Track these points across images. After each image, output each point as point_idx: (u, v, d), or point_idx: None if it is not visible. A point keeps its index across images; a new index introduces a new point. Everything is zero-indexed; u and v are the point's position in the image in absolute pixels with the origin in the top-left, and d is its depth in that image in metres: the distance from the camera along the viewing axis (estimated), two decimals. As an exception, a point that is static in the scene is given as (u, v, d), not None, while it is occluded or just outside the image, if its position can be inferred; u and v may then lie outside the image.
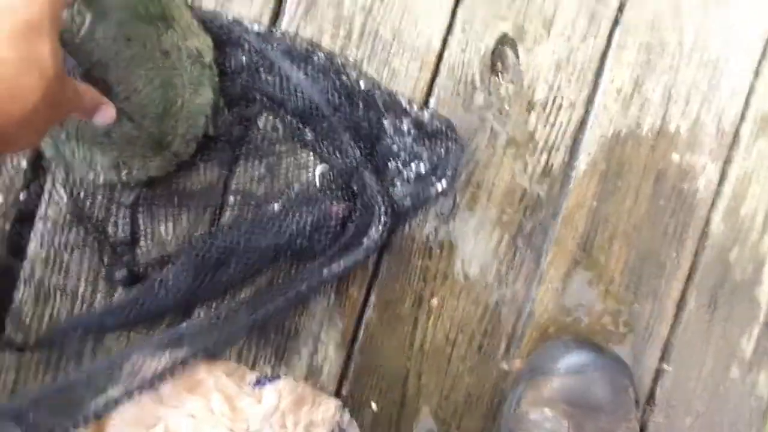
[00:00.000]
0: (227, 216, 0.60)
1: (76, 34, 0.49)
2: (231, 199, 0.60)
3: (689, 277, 0.64)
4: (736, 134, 0.64)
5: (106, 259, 0.59)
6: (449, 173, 0.58)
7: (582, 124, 0.63)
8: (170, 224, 0.60)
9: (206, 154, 0.59)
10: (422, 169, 0.60)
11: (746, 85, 0.63)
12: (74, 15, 0.48)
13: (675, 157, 0.63)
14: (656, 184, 0.63)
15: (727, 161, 0.63)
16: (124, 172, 0.56)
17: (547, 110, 0.62)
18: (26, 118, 0.38)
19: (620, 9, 0.62)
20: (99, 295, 0.59)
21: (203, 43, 0.56)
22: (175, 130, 0.55)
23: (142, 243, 0.60)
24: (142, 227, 0.60)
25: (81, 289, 0.59)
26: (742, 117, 0.63)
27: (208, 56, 0.56)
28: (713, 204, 0.64)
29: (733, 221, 0.64)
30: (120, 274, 0.57)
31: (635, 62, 0.63)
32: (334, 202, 0.59)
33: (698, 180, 0.63)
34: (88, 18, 0.49)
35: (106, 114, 0.49)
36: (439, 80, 0.61)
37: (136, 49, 0.52)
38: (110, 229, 0.59)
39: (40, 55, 0.39)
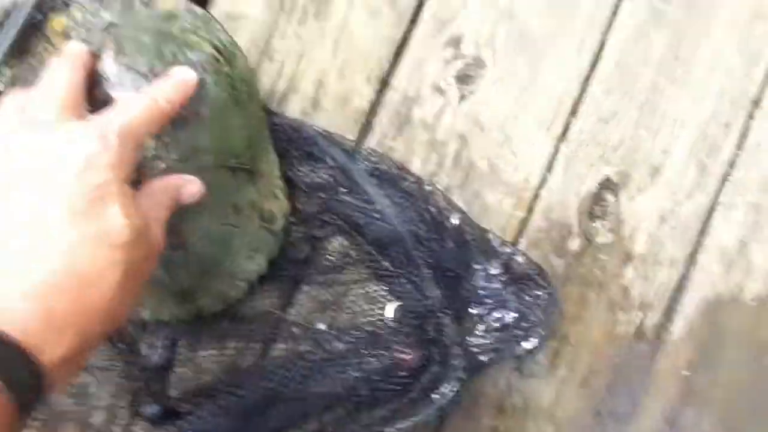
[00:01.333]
0: (280, 350, 0.52)
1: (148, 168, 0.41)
2: (287, 330, 0.52)
3: (786, 469, 0.57)
4: (843, 312, 0.58)
5: (133, 386, 0.50)
6: (542, 332, 0.51)
7: (681, 283, 0.57)
8: (213, 351, 0.51)
9: (266, 276, 0.52)
10: (508, 320, 0.53)
11: None
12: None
13: (779, 331, 0.57)
14: (757, 360, 0.57)
15: (834, 342, 0.58)
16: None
17: (646, 265, 0.57)
18: (120, 294, 0.32)
19: (731, 165, 0.58)
20: (118, 429, 0.50)
21: (280, 208, 0.50)
22: (209, 289, 0.48)
23: (177, 369, 0.51)
24: (180, 350, 0.51)
25: (96, 419, 0.50)
26: None
27: (280, 223, 0.50)
28: (816, 388, 0.57)
29: (837, 410, 0.57)
30: (151, 409, 0.48)
31: (743, 222, 0.58)
32: (407, 350, 0.51)
33: (803, 360, 0.57)
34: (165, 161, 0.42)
35: (194, 192, 0.41)
36: (533, 220, 0.55)
37: (208, 198, 0.44)
38: (143, 349, 0.51)
39: (109, 224, 0.33)
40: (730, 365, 0.57)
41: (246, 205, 0.47)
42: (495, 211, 0.55)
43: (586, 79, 0.56)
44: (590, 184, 0.56)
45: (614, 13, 0.56)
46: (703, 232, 0.57)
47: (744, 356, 0.57)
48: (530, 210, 0.55)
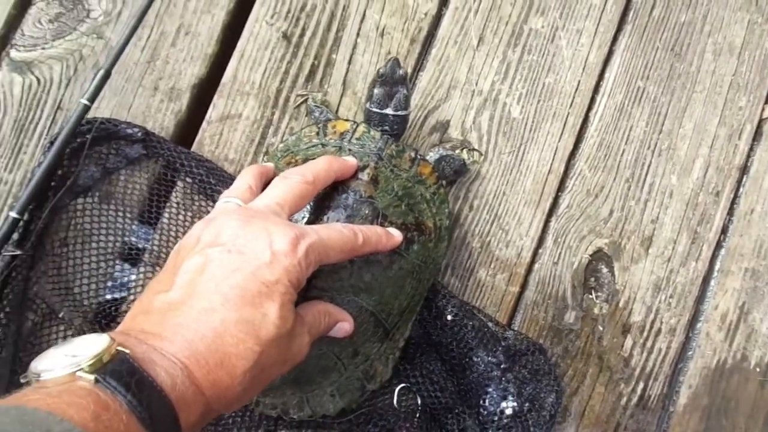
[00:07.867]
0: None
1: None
2: None
3: None
4: None
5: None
6: (546, 416, 0.51)
7: (682, 352, 0.57)
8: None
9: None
10: (512, 405, 0.53)
11: None
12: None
13: (787, 397, 0.56)
14: (766, 426, 0.56)
15: None
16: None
17: (645, 335, 0.57)
18: (247, 381, 0.34)
19: (723, 232, 0.58)
20: None
21: (383, 373, 0.51)
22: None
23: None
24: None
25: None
26: None
27: (374, 385, 0.51)
28: (831, 456, 0.56)
29: None
30: None
31: (741, 289, 0.58)
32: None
33: (814, 427, 0.56)
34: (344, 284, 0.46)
35: (347, 331, 0.45)
36: (527, 294, 0.56)
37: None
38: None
39: (262, 317, 0.35)
40: (739, 434, 0.56)
41: (362, 354, 0.49)
42: (489, 288, 0.56)
43: (571, 157, 0.58)
44: (583, 257, 0.57)
45: (594, 93, 0.58)
46: (700, 299, 0.58)
47: (751, 424, 0.56)
48: (524, 285, 0.57)
